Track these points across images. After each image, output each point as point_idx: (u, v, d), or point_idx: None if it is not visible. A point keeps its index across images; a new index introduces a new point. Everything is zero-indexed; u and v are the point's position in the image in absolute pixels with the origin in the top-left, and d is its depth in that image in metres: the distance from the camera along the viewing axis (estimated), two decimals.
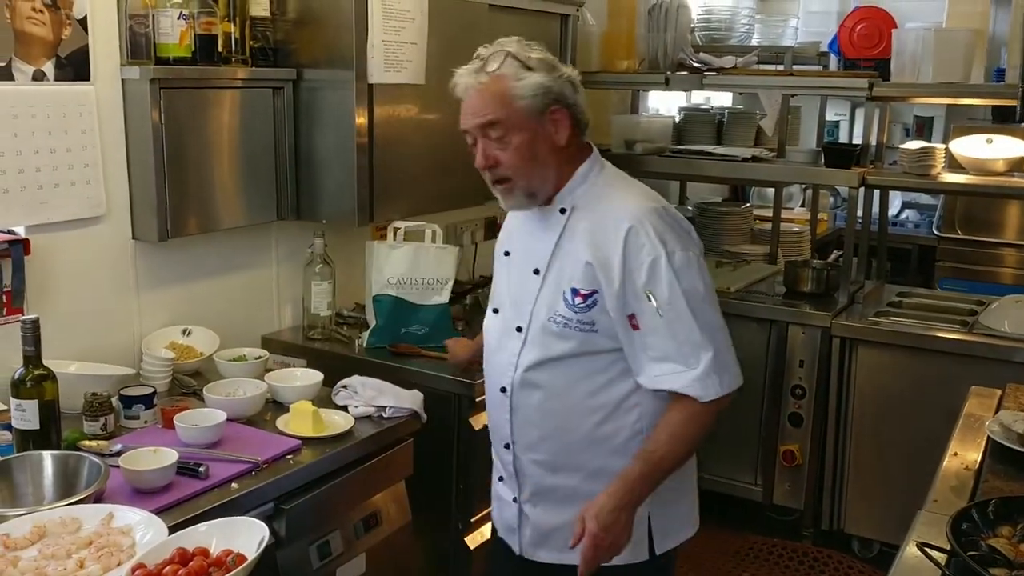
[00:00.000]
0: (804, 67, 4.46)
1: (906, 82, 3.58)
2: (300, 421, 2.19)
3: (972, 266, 5.09)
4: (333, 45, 2.69)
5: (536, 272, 1.88)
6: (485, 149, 1.85)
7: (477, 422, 2.62)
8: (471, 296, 3.28)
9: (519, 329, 1.90)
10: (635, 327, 1.77)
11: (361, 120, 2.71)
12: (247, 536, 1.54)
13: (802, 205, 5.56)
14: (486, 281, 3.39)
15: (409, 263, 2.79)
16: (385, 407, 2.32)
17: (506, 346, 1.93)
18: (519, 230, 1.99)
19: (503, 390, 1.94)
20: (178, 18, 2.40)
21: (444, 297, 2.84)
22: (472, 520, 2.70)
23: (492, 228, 3.68)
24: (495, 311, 2.00)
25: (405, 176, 2.90)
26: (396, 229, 2.84)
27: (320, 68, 2.72)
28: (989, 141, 3.67)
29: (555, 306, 1.83)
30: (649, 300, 1.75)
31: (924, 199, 5.62)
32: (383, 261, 2.78)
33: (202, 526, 1.59)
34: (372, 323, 2.81)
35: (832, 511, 3.58)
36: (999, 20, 3.66)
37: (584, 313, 1.80)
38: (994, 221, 5.11)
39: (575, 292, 1.81)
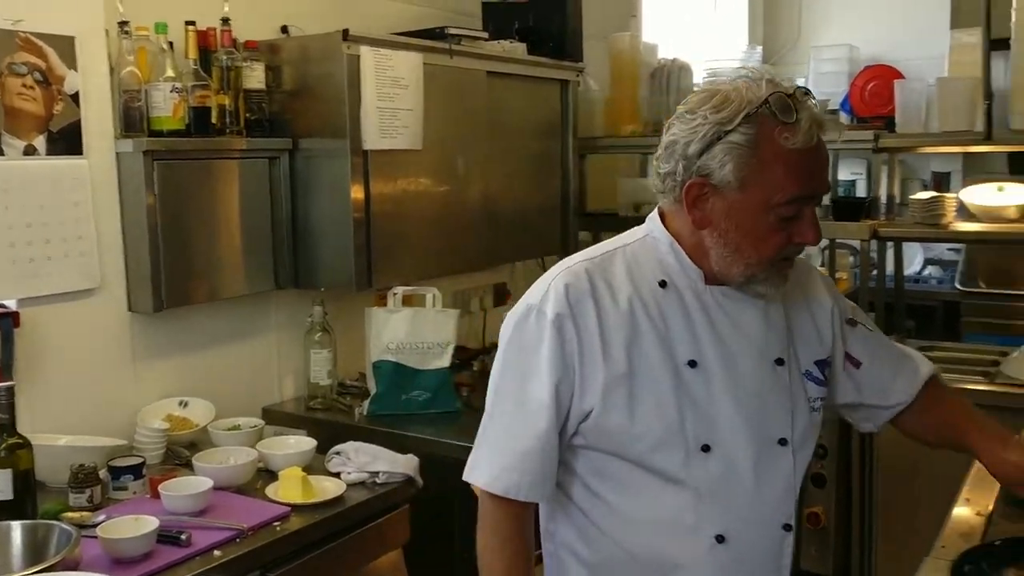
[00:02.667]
0: None
1: (911, 132, 3.56)
2: (289, 487, 2.15)
3: (999, 320, 4.96)
4: (327, 114, 2.72)
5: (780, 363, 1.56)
6: (814, 218, 1.47)
7: (477, 488, 2.55)
8: (478, 361, 3.24)
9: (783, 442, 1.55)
10: None
11: (357, 186, 2.72)
12: None
13: (822, 265, 5.48)
14: (495, 347, 3.37)
15: (408, 328, 2.77)
16: (379, 472, 2.28)
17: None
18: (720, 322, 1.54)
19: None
20: (171, 91, 2.44)
21: (445, 361, 2.80)
22: None
23: (501, 294, 3.66)
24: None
25: (405, 241, 2.91)
26: (395, 294, 2.82)
27: (315, 137, 2.75)
28: (1000, 189, 3.61)
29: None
30: None
31: (947, 255, 5.52)
32: (382, 326, 2.77)
33: None
34: (373, 390, 2.78)
35: (861, 573, 3.44)
36: (997, 68, 3.64)
37: None
38: (1019, 273, 4.99)
39: None
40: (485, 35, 3.18)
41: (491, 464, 1.51)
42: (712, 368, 1.48)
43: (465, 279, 3.45)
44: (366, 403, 2.78)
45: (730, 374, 1.49)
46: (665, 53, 4.18)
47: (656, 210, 1.57)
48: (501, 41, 3.25)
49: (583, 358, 1.46)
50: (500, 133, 3.30)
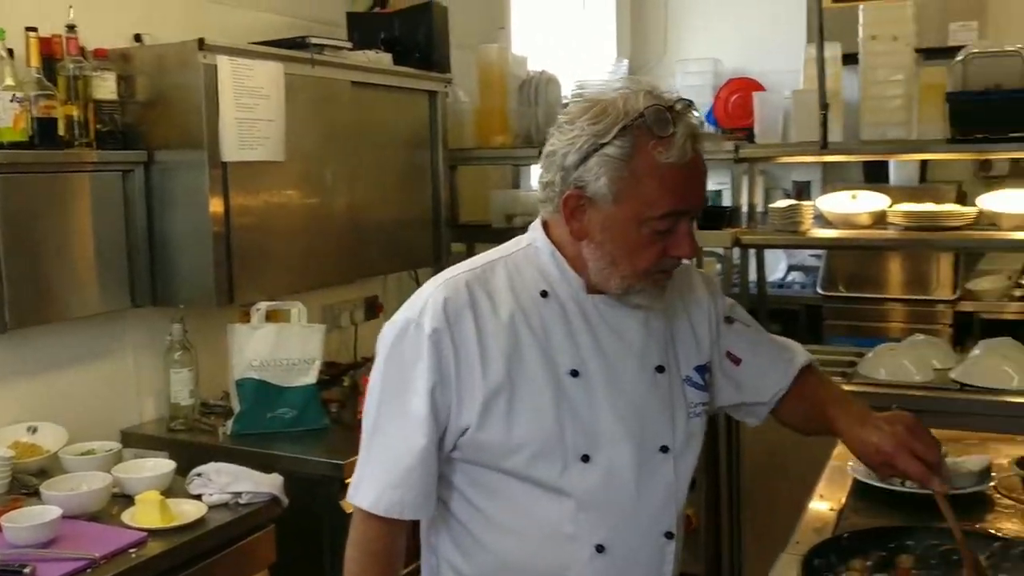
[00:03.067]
0: None
1: (769, 143, 3.69)
2: (146, 512, 2.06)
3: (858, 322, 5.19)
4: (184, 125, 2.64)
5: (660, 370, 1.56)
6: (690, 232, 1.48)
7: (348, 505, 2.50)
8: (348, 377, 3.19)
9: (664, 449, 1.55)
10: None
11: (216, 200, 2.64)
12: None
13: None
14: (367, 361, 3.34)
15: (272, 344, 2.70)
16: (242, 493, 2.21)
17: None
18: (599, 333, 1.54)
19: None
20: (11, 101, 2.32)
21: (312, 377, 2.75)
22: None
23: (372, 307, 3.61)
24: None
25: (268, 255, 2.84)
26: (258, 310, 2.75)
27: (172, 149, 2.66)
28: (854, 197, 3.77)
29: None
30: None
31: (809, 261, 5.74)
32: (244, 343, 2.69)
33: None
34: (237, 409, 2.70)
35: (732, 573, 3.53)
36: (850, 81, 3.81)
37: None
38: (876, 278, 5.23)
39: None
40: (349, 45, 3.14)
41: (374, 484, 1.48)
42: (594, 377, 1.48)
43: (334, 293, 3.40)
44: (230, 422, 2.70)
45: (611, 383, 1.49)
46: (535, 65, 4.22)
47: (539, 219, 1.57)
48: (366, 51, 3.22)
49: (460, 373, 1.44)
50: (367, 144, 3.27)
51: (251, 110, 2.69)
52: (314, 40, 2.94)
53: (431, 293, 1.49)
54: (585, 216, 1.45)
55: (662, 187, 1.40)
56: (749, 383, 1.70)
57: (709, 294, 1.69)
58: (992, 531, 1.80)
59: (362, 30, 3.42)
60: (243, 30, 3.01)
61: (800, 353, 1.76)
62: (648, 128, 1.39)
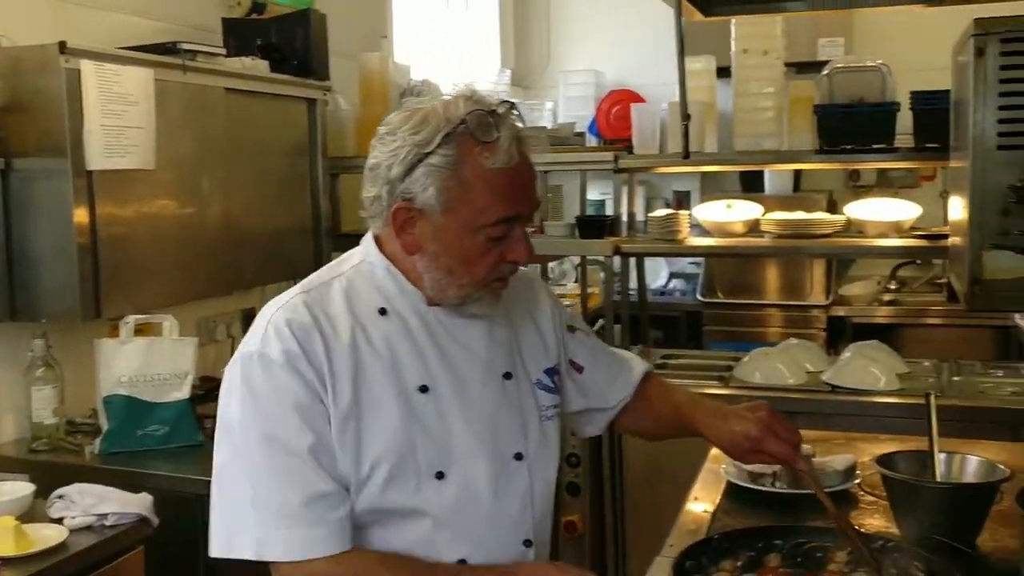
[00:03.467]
0: (558, 147, 4.60)
1: (648, 154, 3.76)
2: (0, 539, 1.95)
3: (737, 328, 5.34)
4: (46, 132, 2.52)
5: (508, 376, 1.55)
6: (525, 236, 1.46)
7: None
8: None
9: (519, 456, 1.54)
10: None
11: (81, 209, 2.54)
12: None
13: (576, 281, 5.69)
14: None
15: (142, 359, 2.61)
16: (107, 515, 2.12)
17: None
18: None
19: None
20: None
21: (184, 392, 2.66)
22: None
23: (250, 320, 3.51)
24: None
25: (138, 267, 2.74)
26: (127, 324, 2.65)
27: (32, 156, 2.54)
28: (729, 206, 3.88)
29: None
30: None
31: (689, 268, 5.88)
32: (112, 359, 2.59)
33: None
34: (105, 427, 2.59)
35: None
36: (723, 94, 3.92)
37: None
38: (753, 284, 5.40)
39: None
40: (223, 51, 3.07)
41: (275, 533, 1.35)
42: (443, 391, 1.45)
43: (210, 305, 3.30)
44: (98, 441, 2.59)
45: (461, 395, 1.46)
46: (418, 74, 4.21)
47: (370, 234, 1.52)
48: (242, 58, 3.15)
49: (324, 396, 1.38)
50: (244, 152, 3.20)
51: (119, 117, 2.60)
52: (186, 46, 2.86)
53: (269, 320, 1.41)
54: (415, 228, 1.41)
55: (492, 194, 1.38)
56: (595, 389, 1.73)
57: (552, 303, 1.71)
58: (856, 527, 1.87)
59: (238, 36, 3.34)
60: (111, 34, 2.90)
61: (639, 363, 1.81)
62: (471, 134, 1.36)
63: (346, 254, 1.55)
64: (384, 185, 1.40)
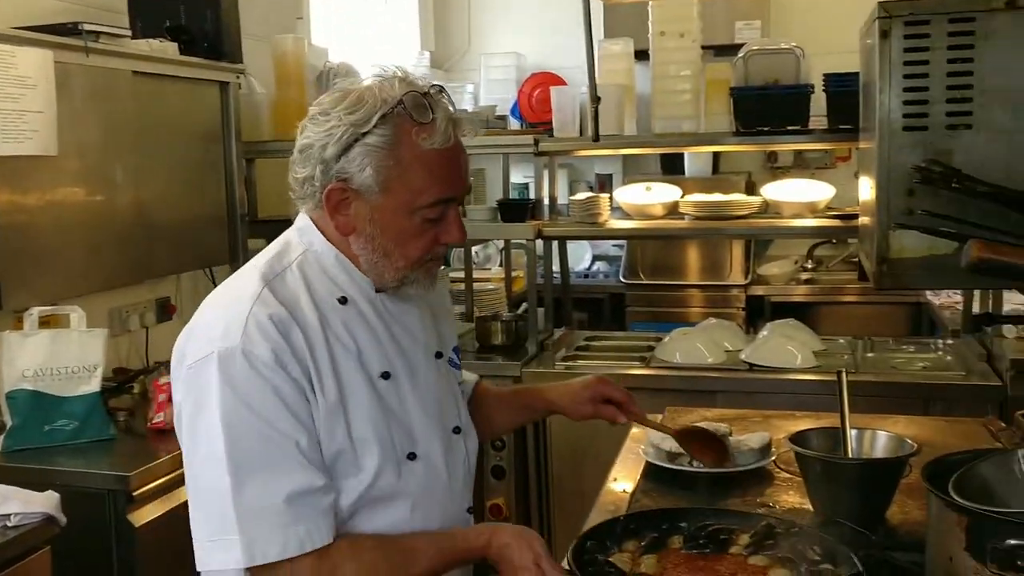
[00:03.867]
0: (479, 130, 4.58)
1: (567, 137, 3.76)
2: None
3: (659, 308, 5.40)
4: None
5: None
6: (459, 218, 1.47)
7: (137, 518, 2.38)
8: (139, 383, 3.02)
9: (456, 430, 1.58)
10: None
11: None
12: None
13: (500, 265, 5.69)
14: (159, 365, 3.17)
15: (47, 352, 2.51)
16: (9, 515, 2.04)
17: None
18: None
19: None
20: None
21: (94, 385, 2.57)
22: None
23: (164, 309, 3.43)
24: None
25: (43, 256, 2.65)
26: (31, 315, 2.55)
27: None
28: (648, 188, 3.90)
29: None
30: None
31: (612, 251, 5.92)
32: (15, 352, 2.49)
33: None
34: (8, 423, 2.49)
35: None
36: (641, 76, 3.94)
37: None
38: (675, 266, 5.45)
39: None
40: (128, 32, 2.96)
41: (270, 534, 1.30)
42: (401, 375, 1.46)
43: (122, 294, 3.20)
44: (1, 438, 2.49)
45: (412, 377, 1.48)
46: (335, 57, 4.13)
47: (304, 220, 1.48)
48: (149, 40, 3.05)
49: (311, 391, 1.35)
50: (154, 137, 3.10)
51: (16, 100, 2.49)
52: (88, 27, 2.75)
53: (248, 314, 1.34)
54: (351, 209, 1.41)
55: (429, 174, 1.38)
56: None
57: (444, 285, 1.75)
58: (770, 504, 1.90)
59: (145, 17, 3.23)
60: (6, 13, 2.78)
61: (468, 374, 1.81)
62: (408, 115, 1.36)
63: (279, 242, 1.49)
64: (318, 165, 1.38)
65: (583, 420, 1.81)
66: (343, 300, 1.44)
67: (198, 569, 1.37)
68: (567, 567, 1.40)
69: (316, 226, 1.46)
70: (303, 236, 1.47)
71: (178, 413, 1.39)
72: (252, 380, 1.32)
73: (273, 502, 1.31)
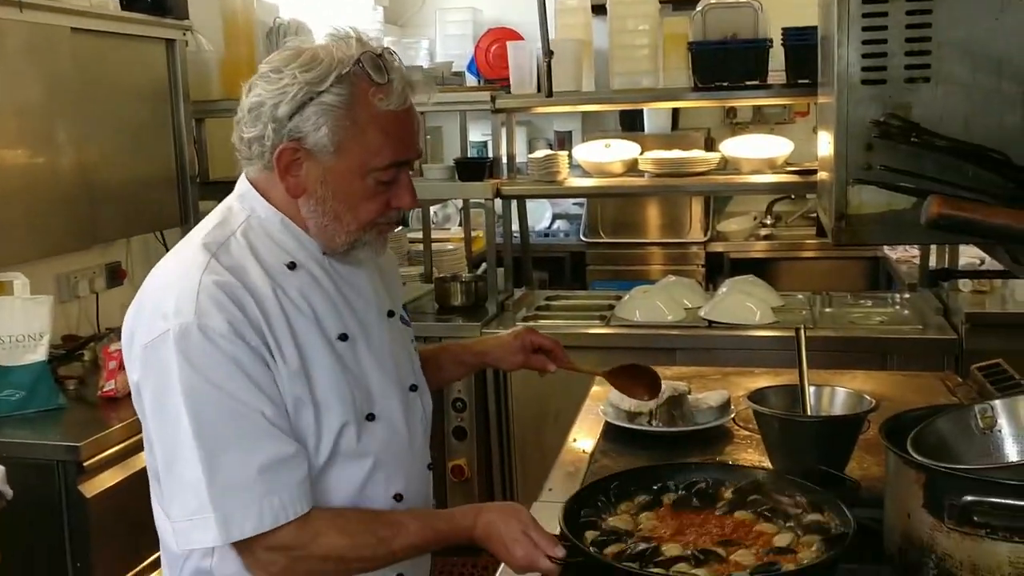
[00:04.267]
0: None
1: (525, 93, 3.70)
2: None
3: (620, 266, 5.39)
4: None
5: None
6: (410, 183, 1.44)
7: (89, 489, 2.33)
8: (89, 350, 2.94)
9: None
10: None
11: None
12: None
13: (460, 224, 5.64)
14: (110, 332, 3.09)
15: None
16: None
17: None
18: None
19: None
20: None
21: (40, 354, 2.51)
22: None
23: (115, 274, 3.35)
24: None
25: None
26: None
27: None
28: (607, 146, 3.86)
29: None
30: None
31: (572, 209, 5.89)
32: None
33: None
34: None
35: None
36: (599, 31, 3.88)
37: None
38: (635, 223, 5.44)
39: None
40: None
41: (245, 509, 1.28)
42: (356, 337, 1.44)
43: (69, 260, 3.11)
44: None
45: (367, 338, 1.46)
46: (286, 13, 4.03)
47: (245, 183, 1.43)
48: None
49: (271, 359, 1.32)
50: (97, 97, 3.01)
51: None
52: None
53: (196, 287, 1.30)
54: (302, 170, 1.36)
55: (385, 136, 1.35)
56: None
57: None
58: (729, 463, 1.90)
59: None
60: None
61: None
62: (365, 75, 1.33)
63: (220, 211, 1.44)
64: (269, 124, 1.34)
65: (515, 370, 1.85)
66: (292, 265, 1.40)
67: (178, 549, 1.36)
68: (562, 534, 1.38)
69: (259, 190, 1.42)
70: (245, 202, 1.42)
71: (136, 392, 1.36)
72: (211, 354, 1.28)
73: (245, 476, 1.28)
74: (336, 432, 1.38)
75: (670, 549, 1.38)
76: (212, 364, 1.28)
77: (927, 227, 1.07)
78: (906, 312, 3.47)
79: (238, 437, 1.29)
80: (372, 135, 1.34)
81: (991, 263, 3.35)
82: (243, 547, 1.31)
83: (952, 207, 1.01)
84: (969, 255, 3.60)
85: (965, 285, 3.39)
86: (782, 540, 1.40)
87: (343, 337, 1.42)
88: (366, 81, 1.33)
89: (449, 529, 1.40)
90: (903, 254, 4.45)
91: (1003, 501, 1.18)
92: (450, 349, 1.87)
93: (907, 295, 3.70)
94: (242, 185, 1.44)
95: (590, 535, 1.43)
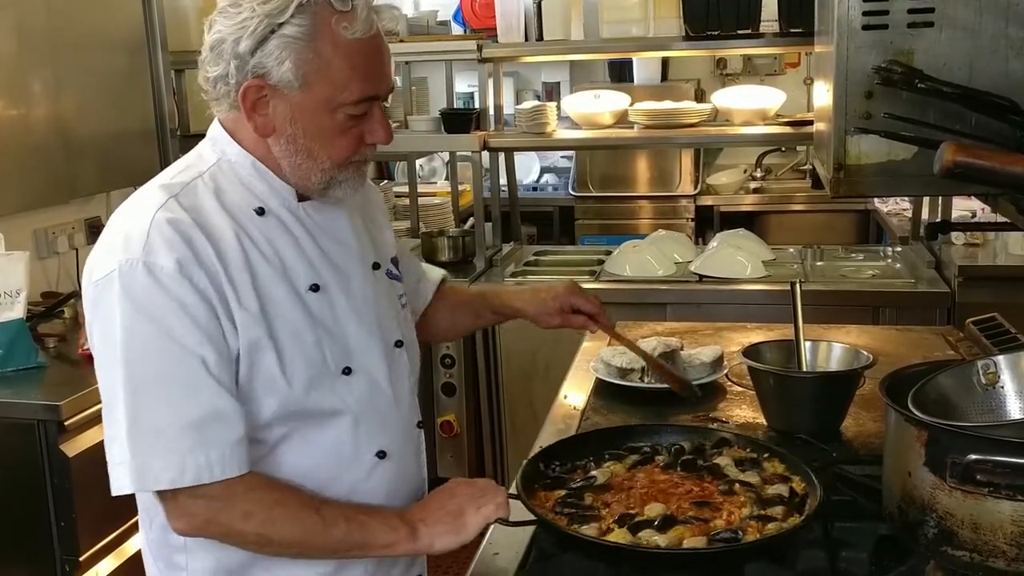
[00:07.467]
0: (419, 36, 4.40)
1: (513, 42, 3.62)
2: None
3: (609, 221, 5.34)
4: None
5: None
6: (384, 117, 1.38)
7: (71, 448, 2.29)
8: (69, 307, 2.89)
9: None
10: None
11: None
12: None
13: (446, 178, 5.56)
14: None
15: None
16: None
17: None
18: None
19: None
20: None
21: (18, 312, 2.45)
22: (81, 559, 2.36)
23: (95, 229, 3.28)
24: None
25: None
26: None
27: None
28: (597, 96, 3.79)
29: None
30: None
31: (561, 163, 5.82)
32: None
33: None
34: None
35: (496, 477, 3.57)
36: None
37: None
38: (624, 177, 5.38)
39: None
40: None
41: (165, 459, 1.22)
42: (332, 288, 1.38)
43: (47, 215, 3.04)
44: None
45: (346, 290, 1.40)
46: None
47: (216, 126, 1.38)
48: None
49: (222, 305, 1.26)
50: (71, 48, 2.92)
51: None
52: None
53: (149, 224, 1.24)
54: (269, 108, 1.30)
55: (352, 67, 1.28)
56: (412, 287, 1.68)
57: (376, 191, 1.65)
58: (722, 419, 1.87)
59: None
60: None
61: (434, 270, 1.79)
62: (327, 2, 1.26)
63: (191, 154, 1.39)
64: (232, 61, 1.27)
65: (551, 329, 1.78)
66: (260, 211, 1.34)
67: (113, 495, 1.27)
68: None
69: (229, 132, 1.36)
70: (216, 146, 1.36)
71: (90, 334, 1.30)
72: (154, 292, 1.22)
73: (171, 423, 1.22)
74: (303, 385, 1.32)
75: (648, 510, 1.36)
76: (154, 303, 1.22)
77: (940, 176, 1.02)
78: (898, 265, 3.44)
79: (170, 381, 1.23)
80: (338, 67, 1.27)
81: (984, 216, 3.31)
82: (167, 499, 1.26)
83: (969, 154, 0.96)
84: (960, 208, 3.56)
85: (958, 238, 3.35)
86: (747, 509, 1.36)
87: (315, 288, 1.35)
88: (328, 9, 1.26)
89: (383, 544, 1.32)
90: (894, 207, 4.41)
91: (1007, 459, 1.15)
92: (487, 297, 1.82)
93: (899, 248, 3.67)
94: (213, 129, 1.38)
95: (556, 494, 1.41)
